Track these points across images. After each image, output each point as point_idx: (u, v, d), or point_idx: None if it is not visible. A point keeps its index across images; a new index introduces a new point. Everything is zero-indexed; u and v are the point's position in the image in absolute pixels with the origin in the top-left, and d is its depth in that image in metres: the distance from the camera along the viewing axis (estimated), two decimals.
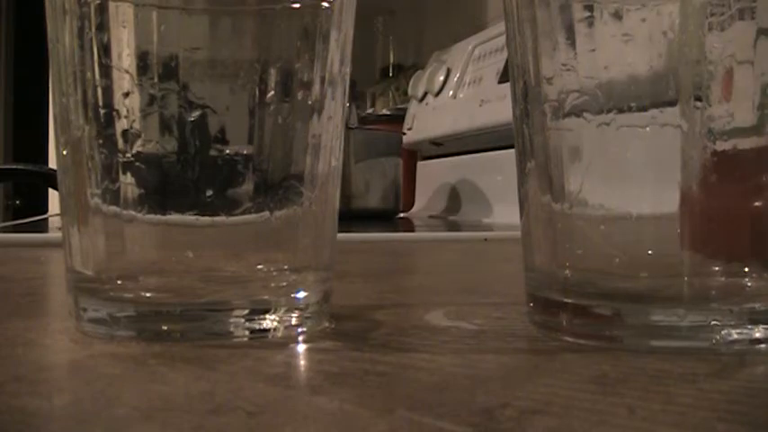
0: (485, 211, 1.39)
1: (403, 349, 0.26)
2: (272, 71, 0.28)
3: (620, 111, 0.25)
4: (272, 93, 0.28)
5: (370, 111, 2.23)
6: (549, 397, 0.20)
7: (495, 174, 1.34)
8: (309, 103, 0.28)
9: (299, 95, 0.28)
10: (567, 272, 0.26)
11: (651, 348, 0.24)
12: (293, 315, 0.28)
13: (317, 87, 0.29)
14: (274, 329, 0.27)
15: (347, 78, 0.30)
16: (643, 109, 0.25)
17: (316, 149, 0.29)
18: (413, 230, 1.21)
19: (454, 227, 1.24)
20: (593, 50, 0.26)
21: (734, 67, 0.26)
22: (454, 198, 1.58)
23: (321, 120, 0.29)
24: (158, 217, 0.27)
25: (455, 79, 1.57)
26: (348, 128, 1.57)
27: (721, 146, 0.26)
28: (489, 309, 0.34)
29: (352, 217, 1.40)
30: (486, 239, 0.88)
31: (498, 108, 1.30)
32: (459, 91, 1.55)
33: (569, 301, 0.26)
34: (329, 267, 0.30)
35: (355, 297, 0.38)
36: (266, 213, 0.28)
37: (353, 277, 0.49)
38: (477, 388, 0.21)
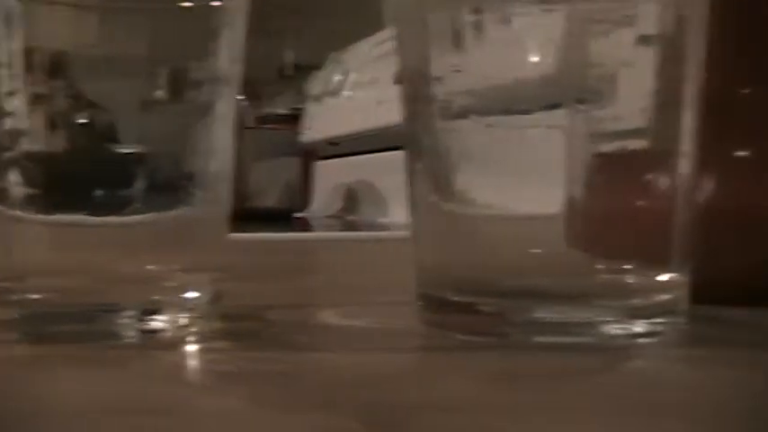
0: (381, 211, 1.40)
1: (296, 348, 0.26)
2: (163, 70, 0.28)
3: (507, 112, 0.26)
4: (163, 92, 0.27)
5: (268, 110, 2.22)
6: (439, 393, 0.20)
7: (392, 174, 1.34)
8: (200, 102, 0.28)
9: (190, 95, 0.28)
10: (456, 271, 0.27)
11: (536, 345, 0.25)
12: (184, 315, 0.28)
13: (207, 87, 0.28)
14: (165, 330, 0.27)
15: (239, 78, 0.30)
16: (529, 111, 0.26)
17: (206, 149, 0.29)
18: (309, 230, 1.21)
19: (350, 227, 1.25)
20: (482, 53, 0.27)
21: (618, 71, 0.27)
22: (351, 198, 1.59)
23: (212, 119, 0.29)
24: (47, 217, 0.27)
25: (353, 79, 1.57)
26: (245, 127, 1.56)
27: (606, 147, 0.26)
28: (383, 308, 0.35)
29: (248, 217, 1.39)
30: (380, 240, 0.89)
31: (395, 108, 1.30)
32: (356, 91, 1.55)
33: (458, 299, 0.26)
34: (220, 267, 0.30)
35: (248, 297, 0.38)
36: (157, 213, 0.28)
37: (248, 277, 0.49)
38: (369, 385, 0.21)
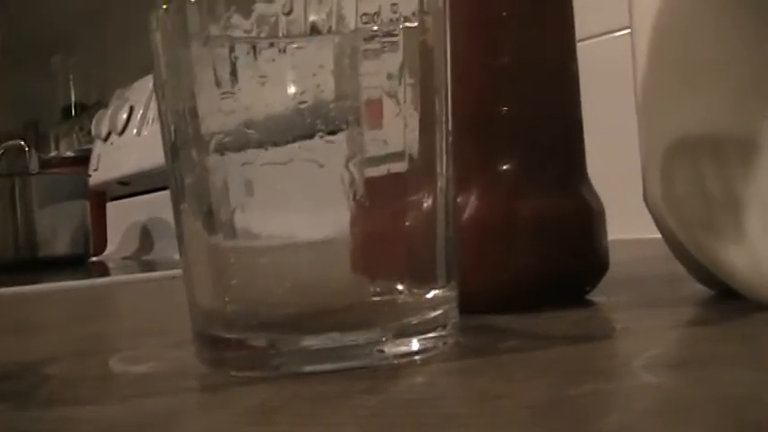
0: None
1: (69, 403, 0.25)
2: None
3: (270, 145, 0.26)
4: None
5: (54, 153, 2.15)
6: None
7: None
8: None
9: None
10: (228, 307, 0.27)
11: (307, 373, 0.25)
12: None
13: None
14: None
15: None
16: (290, 142, 0.26)
17: None
18: (107, 273, 1.18)
19: (147, 267, 1.22)
20: (238, 90, 0.27)
21: (372, 100, 0.27)
22: (146, 237, 1.56)
23: None
24: None
25: (138, 116, 1.55)
26: (29, 174, 1.51)
27: (368, 172, 0.27)
28: (166, 350, 0.34)
29: (40, 266, 1.35)
30: (174, 277, 0.87)
31: None
32: (143, 128, 1.52)
33: (230, 335, 0.26)
34: None
35: (29, 352, 0.37)
36: None
37: (31, 330, 0.47)
38: None
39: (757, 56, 0.31)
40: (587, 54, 0.39)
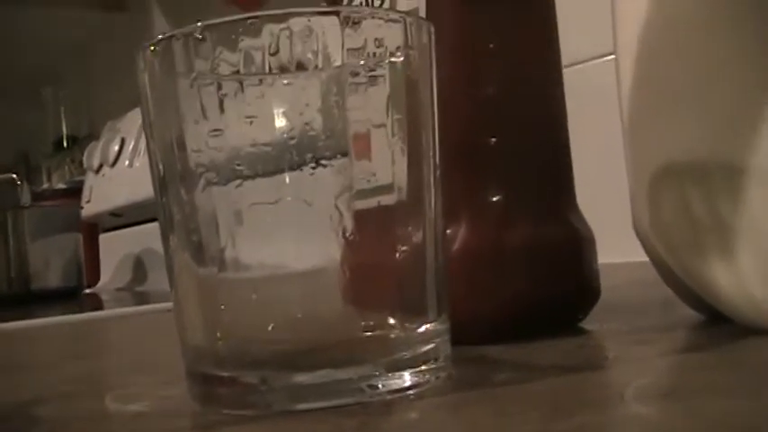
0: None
1: None
2: None
3: (259, 177, 0.26)
4: None
5: (46, 186, 2.15)
6: None
7: None
8: None
9: None
10: (219, 343, 0.27)
11: (299, 411, 0.25)
12: None
13: None
14: None
15: None
16: (279, 173, 0.26)
17: None
18: (100, 306, 1.18)
19: (141, 298, 1.22)
20: (226, 127, 0.27)
21: (367, 132, 0.28)
22: (140, 268, 1.55)
23: None
24: None
25: (130, 148, 1.55)
26: (21, 207, 1.51)
27: (359, 206, 0.27)
28: (160, 388, 0.34)
29: (33, 299, 1.35)
30: (168, 310, 0.87)
31: None
32: (135, 159, 1.52)
33: (221, 372, 0.26)
34: None
35: (19, 392, 0.37)
36: None
37: (22, 369, 0.47)
38: None
39: (741, 81, 0.32)
40: (574, 80, 0.39)
